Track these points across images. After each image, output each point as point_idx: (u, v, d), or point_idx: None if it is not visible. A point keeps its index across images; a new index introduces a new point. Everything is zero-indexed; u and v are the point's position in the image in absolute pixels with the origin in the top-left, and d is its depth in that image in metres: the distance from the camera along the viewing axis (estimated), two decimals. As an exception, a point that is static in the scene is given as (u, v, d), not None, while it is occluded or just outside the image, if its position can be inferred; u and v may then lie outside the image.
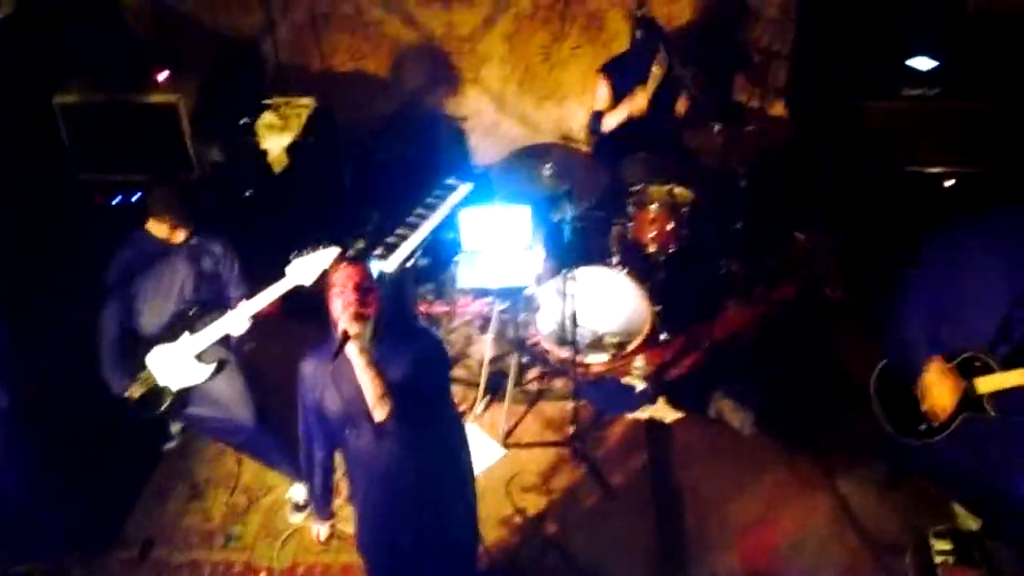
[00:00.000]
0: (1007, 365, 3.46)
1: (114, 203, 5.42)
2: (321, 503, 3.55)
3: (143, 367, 4.06)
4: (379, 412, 2.98)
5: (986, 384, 3.52)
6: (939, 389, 3.57)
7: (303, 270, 3.86)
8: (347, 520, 4.41)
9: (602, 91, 5.30)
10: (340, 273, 2.95)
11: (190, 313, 4.09)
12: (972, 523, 4.11)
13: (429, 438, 3.19)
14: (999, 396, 3.50)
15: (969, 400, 3.56)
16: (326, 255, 3.85)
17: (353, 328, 2.88)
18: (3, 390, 3.90)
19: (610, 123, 5.30)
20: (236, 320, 4.00)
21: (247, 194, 5.49)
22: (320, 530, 3.63)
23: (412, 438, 3.09)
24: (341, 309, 2.91)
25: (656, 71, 5.09)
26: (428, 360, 3.15)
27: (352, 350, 2.90)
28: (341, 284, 2.93)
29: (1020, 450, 3.59)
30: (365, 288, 2.94)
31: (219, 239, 4.17)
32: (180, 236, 4.09)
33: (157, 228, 4.06)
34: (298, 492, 4.52)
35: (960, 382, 3.53)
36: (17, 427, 4.00)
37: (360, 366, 2.92)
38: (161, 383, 4.07)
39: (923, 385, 3.62)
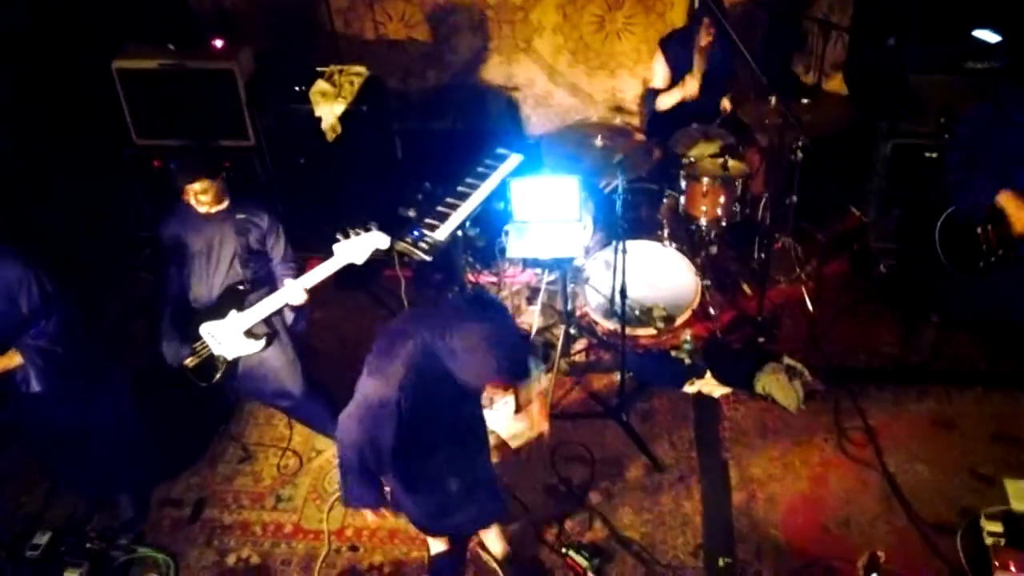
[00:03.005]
0: None
1: (172, 167, 5.49)
2: None
3: (197, 338, 4.11)
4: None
5: None
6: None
7: (352, 251, 3.90)
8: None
9: (659, 67, 5.24)
10: None
11: (240, 289, 4.12)
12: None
13: None
14: None
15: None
16: (375, 239, 3.91)
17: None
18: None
19: (664, 104, 5.25)
20: (290, 293, 4.01)
21: (301, 162, 5.53)
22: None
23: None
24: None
25: (703, 42, 5.02)
26: None
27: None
28: None
29: None
30: None
31: (265, 211, 4.16)
32: (221, 206, 4.05)
33: (195, 201, 4.01)
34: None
35: None
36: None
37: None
38: (216, 352, 4.12)
39: (1008, 211, 4.15)
